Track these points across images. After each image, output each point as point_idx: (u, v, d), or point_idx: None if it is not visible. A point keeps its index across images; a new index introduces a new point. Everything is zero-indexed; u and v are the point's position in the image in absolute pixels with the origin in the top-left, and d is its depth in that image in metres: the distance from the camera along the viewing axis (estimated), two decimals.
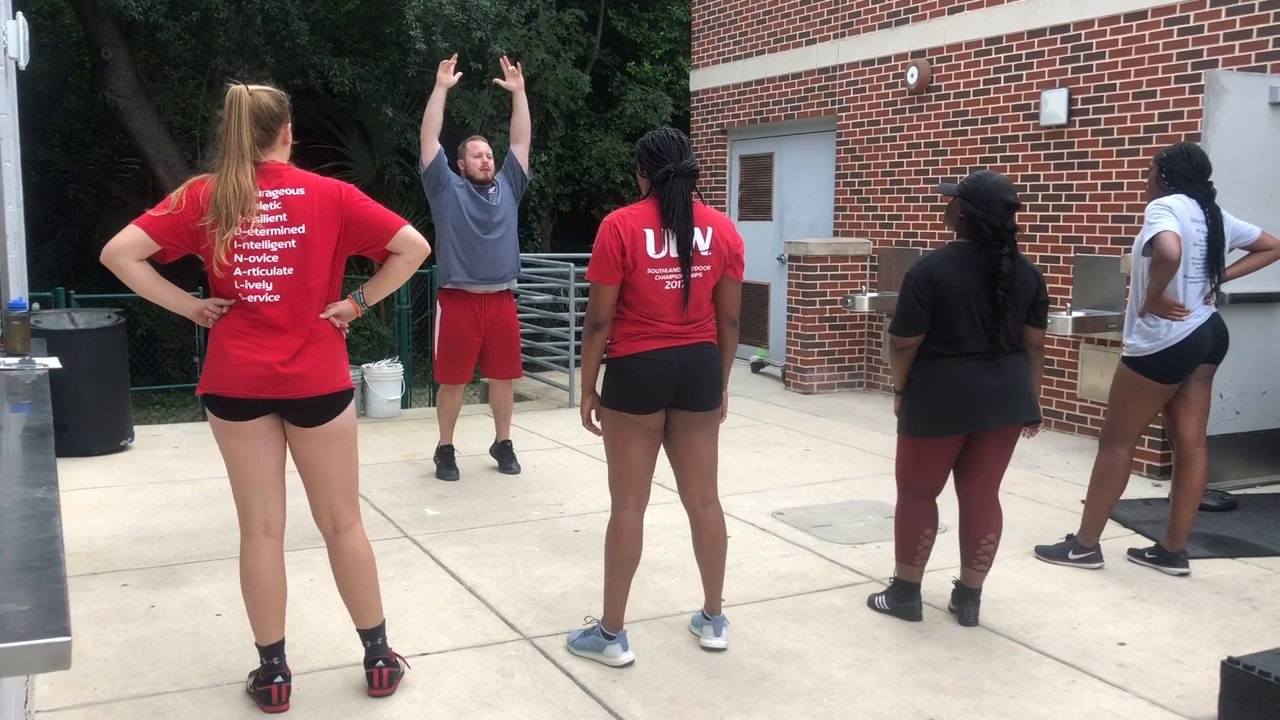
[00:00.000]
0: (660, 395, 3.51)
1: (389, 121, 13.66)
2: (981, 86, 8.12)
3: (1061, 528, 5.08)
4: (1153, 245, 4.25)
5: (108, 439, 6.73)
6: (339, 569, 3.37)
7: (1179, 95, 6.67)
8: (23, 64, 4.80)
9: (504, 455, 6.37)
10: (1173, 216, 4.28)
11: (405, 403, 8.95)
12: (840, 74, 9.57)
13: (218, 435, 3.22)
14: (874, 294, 8.73)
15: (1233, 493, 5.77)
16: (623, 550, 3.61)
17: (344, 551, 3.34)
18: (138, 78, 12.95)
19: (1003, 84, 7.93)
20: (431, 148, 5.88)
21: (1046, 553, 4.75)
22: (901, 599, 4.06)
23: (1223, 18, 6.41)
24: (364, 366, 8.18)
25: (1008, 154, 7.89)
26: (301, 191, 3.13)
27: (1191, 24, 6.59)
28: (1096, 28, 7.21)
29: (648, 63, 16.35)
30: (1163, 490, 5.84)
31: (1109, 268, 6.92)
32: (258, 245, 3.08)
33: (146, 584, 4.38)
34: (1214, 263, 4.47)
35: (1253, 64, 6.22)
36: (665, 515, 4.94)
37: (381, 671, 3.36)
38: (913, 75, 8.62)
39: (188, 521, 5.26)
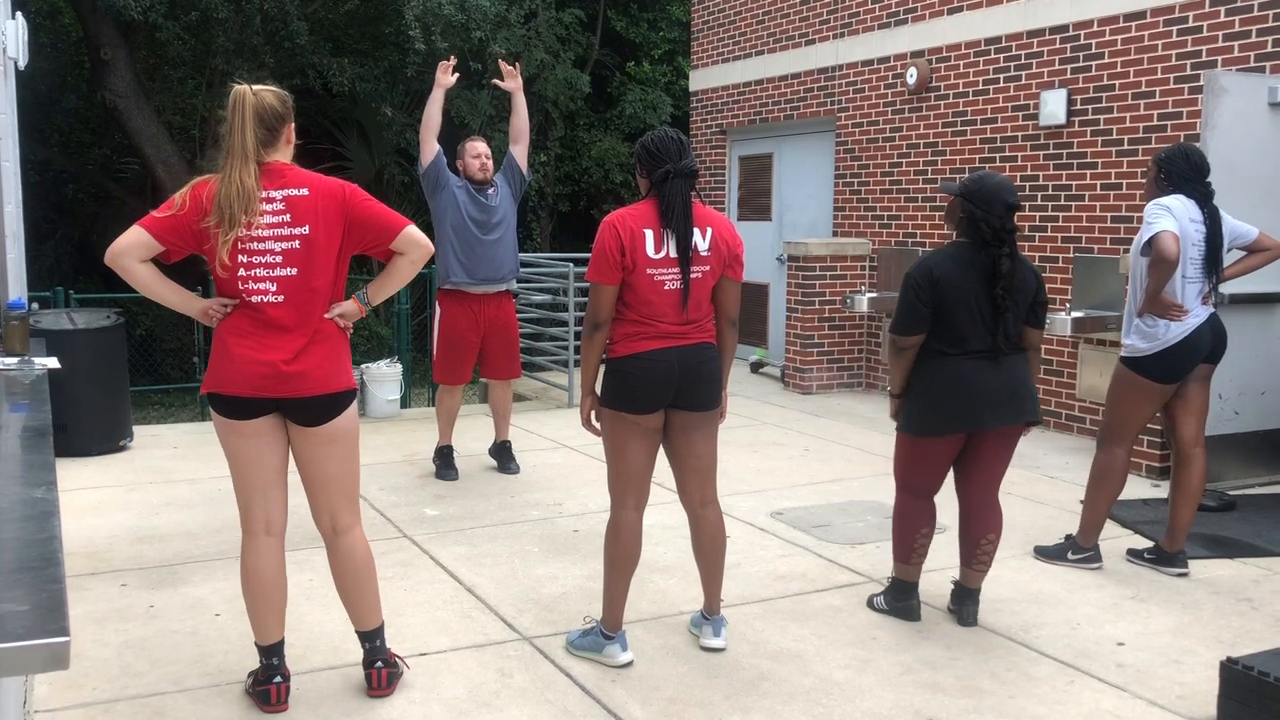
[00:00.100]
0: (659, 395, 3.51)
1: (388, 121, 13.66)
2: (981, 87, 8.12)
3: (1060, 528, 5.09)
4: (1151, 245, 4.25)
5: (107, 439, 6.73)
6: (338, 571, 3.36)
7: (1178, 96, 6.67)
8: (22, 64, 4.80)
9: (503, 455, 6.37)
10: (1171, 217, 4.28)
11: (404, 403, 8.94)
12: (840, 74, 9.58)
13: (221, 434, 3.22)
14: (873, 294, 8.74)
15: (1232, 493, 5.78)
16: (622, 550, 3.61)
17: (343, 553, 3.34)
18: (137, 78, 12.94)
19: (1002, 84, 7.93)
20: (430, 148, 5.88)
21: (1045, 553, 4.75)
22: (900, 598, 4.06)
23: (1222, 18, 6.41)
24: (363, 366, 8.18)
25: (1007, 154, 7.90)
26: (305, 192, 3.13)
27: (1190, 24, 6.59)
28: (1096, 28, 7.21)
29: (647, 63, 16.34)
30: (1162, 490, 5.84)
31: (1108, 268, 6.92)
32: (261, 246, 3.09)
33: (145, 584, 4.38)
34: (1212, 263, 4.47)
35: (1252, 64, 6.23)
36: (664, 515, 4.94)
37: (380, 672, 3.36)
38: (912, 75, 8.62)
39: (187, 521, 5.26)
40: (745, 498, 5.70)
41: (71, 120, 14.94)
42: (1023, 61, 7.75)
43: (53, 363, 3.90)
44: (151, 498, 5.71)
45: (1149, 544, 4.79)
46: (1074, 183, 7.39)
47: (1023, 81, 7.75)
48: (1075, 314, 6.83)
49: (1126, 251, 6.61)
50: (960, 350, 3.79)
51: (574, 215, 16.65)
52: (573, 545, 4.92)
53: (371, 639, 3.39)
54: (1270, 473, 6.19)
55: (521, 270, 7.60)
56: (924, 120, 8.66)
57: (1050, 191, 7.57)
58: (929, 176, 8.64)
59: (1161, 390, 4.51)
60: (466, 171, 5.99)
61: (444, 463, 6.20)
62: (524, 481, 6.11)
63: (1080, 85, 7.31)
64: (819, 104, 9.86)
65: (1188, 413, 4.58)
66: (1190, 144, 4.76)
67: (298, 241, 3.10)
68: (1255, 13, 6.23)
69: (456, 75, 6.02)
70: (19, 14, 4.65)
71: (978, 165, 8.09)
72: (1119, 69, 7.04)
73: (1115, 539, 4.95)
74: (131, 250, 3.05)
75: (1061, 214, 7.49)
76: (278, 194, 3.10)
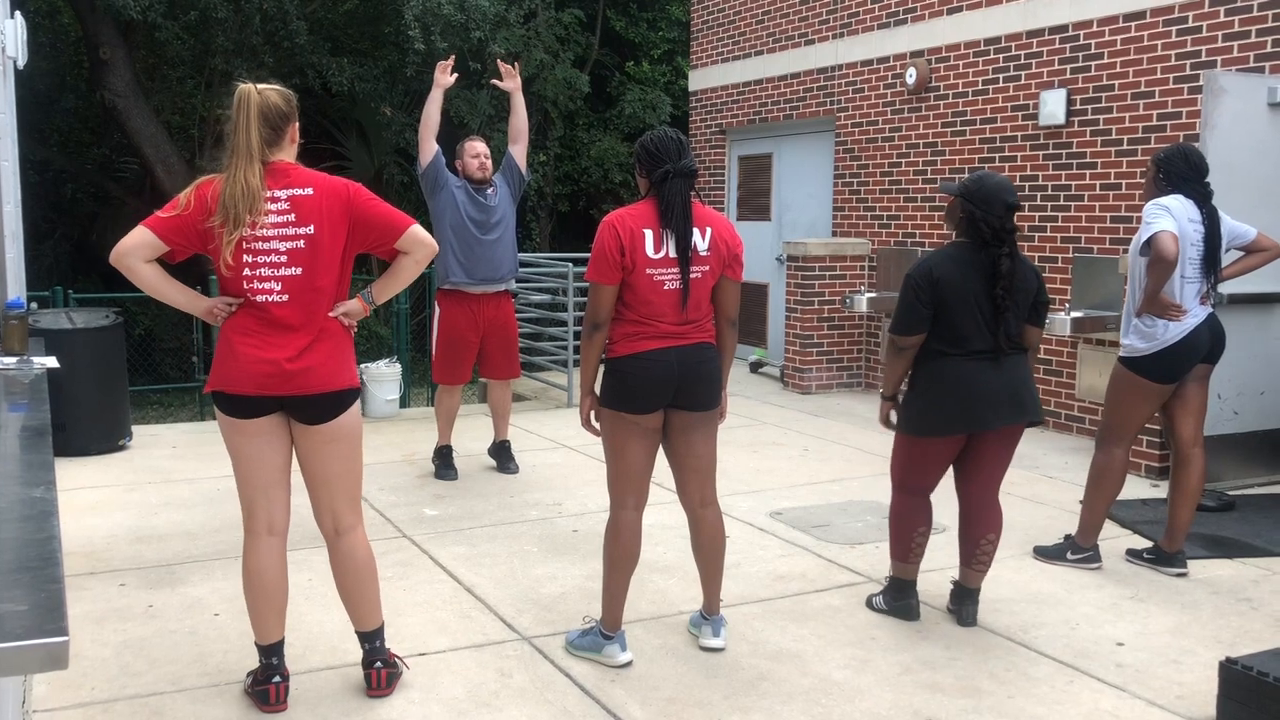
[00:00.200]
0: (659, 395, 3.51)
1: (387, 121, 13.66)
2: (980, 87, 8.12)
3: (1060, 528, 5.09)
4: (1150, 245, 4.25)
5: (106, 438, 6.73)
6: (339, 571, 3.36)
7: (1177, 96, 6.67)
8: (21, 63, 4.80)
9: (502, 455, 6.37)
10: (1170, 217, 4.28)
11: (403, 402, 8.95)
12: (839, 74, 9.58)
13: (225, 433, 3.22)
14: (872, 294, 8.74)
15: (1231, 493, 5.78)
16: (621, 550, 3.60)
17: (344, 553, 3.34)
18: (136, 77, 12.94)
19: (1001, 84, 7.93)
20: (429, 148, 5.88)
21: (1045, 553, 4.75)
22: (898, 597, 4.06)
23: (1221, 18, 6.41)
24: (362, 366, 8.17)
25: (1006, 154, 7.90)
26: (310, 191, 3.13)
27: (1190, 24, 6.59)
28: (1095, 28, 7.21)
29: (646, 63, 16.34)
30: (1161, 490, 5.84)
31: (1107, 268, 6.92)
32: (266, 245, 3.09)
33: (144, 584, 4.38)
34: (1211, 263, 4.47)
35: (1251, 64, 6.23)
36: (664, 515, 4.93)
37: (380, 672, 3.36)
38: (911, 75, 8.62)
39: (186, 521, 5.26)
40: (745, 498, 5.70)
41: (70, 120, 14.93)
42: (1022, 61, 7.75)
43: (51, 362, 3.90)
44: (150, 497, 5.71)
45: (1148, 544, 4.79)
46: (1073, 183, 7.39)
47: (1022, 81, 7.75)
48: (1074, 314, 6.84)
49: (1125, 251, 6.61)
50: (961, 350, 3.78)
51: (573, 215, 16.65)
52: (572, 545, 4.91)
53: (371, 639, 3.39)
54: (1269, 473, 6.19)
55: (521, 270, 7.59)
56: (923, 120, 8.66)
57: (1049, 191, 7.57)
58: (928, 176, 8.64)
59: (1160, 390, 4.51)
60: (465, 171, 5.98)
61: (443, 463, 6.19)
62: (523, 481, 6.11)
63: (1080, 85, 7.31)
64: (818, 104, 9.86)
65: (1186, 413, 4.58)
66: (1189, 144, 4.76)
67: (302, 241, 3.11)
68: (1255, 13, 6.23)
69: (455, 75, 6.02)
70: (18, 13, 4.65)
71: (977, 165, 8.09)
72: (1118, 69, 7.04)
73: (1114, 539, 4.95)
74: (136, 250, 3.05)
75: (1061, 214, 7.49)
76: (282, 193, 3.10)
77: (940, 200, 8.41)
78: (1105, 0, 7.13)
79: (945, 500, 4.06)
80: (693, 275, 3.48)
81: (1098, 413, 6.72)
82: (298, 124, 3.24)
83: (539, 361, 9.61)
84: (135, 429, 7.22)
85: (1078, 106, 7.32)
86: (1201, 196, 4.44)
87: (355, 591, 3.36)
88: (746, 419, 7.90)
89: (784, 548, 4.91)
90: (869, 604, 4.16)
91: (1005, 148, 7.91)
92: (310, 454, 3.24)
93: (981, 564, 3.98)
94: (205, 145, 13.78)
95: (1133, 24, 6.95)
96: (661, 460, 3.67)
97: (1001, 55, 7.92)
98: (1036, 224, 7.63)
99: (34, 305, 6.35)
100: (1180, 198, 4.40)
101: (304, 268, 3.11)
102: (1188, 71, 6.59)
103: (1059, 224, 7.51)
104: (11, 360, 3.86)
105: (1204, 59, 6.50)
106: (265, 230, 3.08)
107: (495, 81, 6.26)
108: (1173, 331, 4.40)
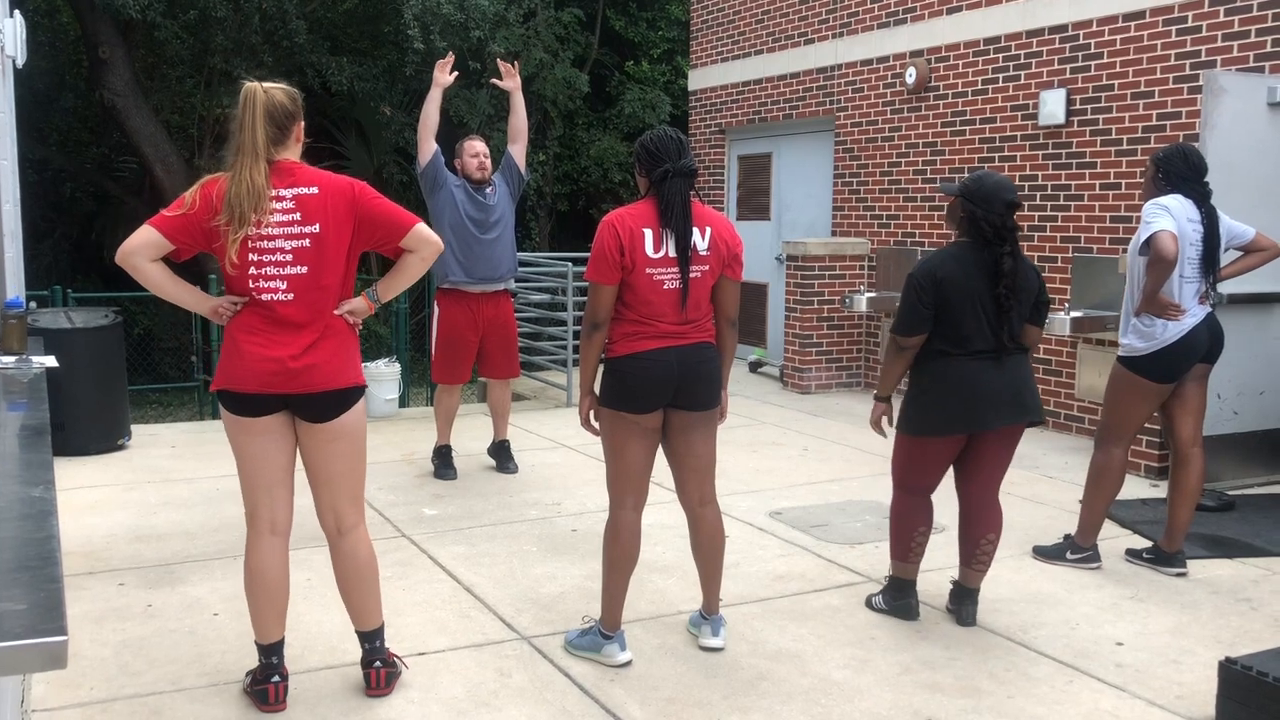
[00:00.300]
0: (658, 395, 3.51)
1: (387, 120, 13.66)
2: (980, 87, 8.12)
3: (1059, 528, 5.08)
4: (1149, 245, 4.25)
5: (105, 438, 6.73)
6: (340, 570, 3.36)
7: (1177, 95, 6.67)
8: (20, 62, 4.79)
9: (502, 455, 6.37)
10: (1169, 216, 4.28)
11: (402, 402, 8.94)
12: (839, 74, 9.58)
13: (230, 431, 3.22)
14: (872, 294, 8.73)
15: (1230, 493, 5.78)
16: (620, 550, 3.60)
17: (346, 553, 3.34)
18: (135, 76, 12.93)
19: (1001, 84, 7.93)
20: (428, 148, 5.88)
21: (1044, 553, 4.75)
22: (898, 597, 4.06)
23: (1221, 18, 6.41)
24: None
25: (1006, 154, 7.90)
26: (315, 190, 3.13)
27: (1190, 24, 6.59)
28: (1095, 28, 7.21)
29: (646, 62, 16.34)
30: (1160, 490, 5.84)
31: (1107, 268, 6.93)
32: (272, 244, 3.09)
33: (143, 583, 4.38)
34: (1210, 263, 4.47)
35: (1251, 64, 6.23)
36: (663, 515, 4.93)
37: (379, 672, 3.36)
38: (911, 75, 8.62)
39: (185, 521, 5.26)
40: (744, 497, 5.70)
41: (70, 119, 14.93)
42: (1022, 61, 7.75)
43: (50, 361, 3.89)
44: (149, 497, 5.70)
45: (1148, 544, 4.79)
46: (1073, 183, 7.39)
47: (1022, 81, 7.75)
48: (1074, 314, 6.84)
49: (1125, 251, 6.61)
50: (963, 350, 3.78)
51: (572, 215, 16.65)
52: (571, 545, 4.91)
53: (371, 639, 3.38)
54: (1269, 473, 6.20)
55: (520, 270, 7.59)
56: (923, 120, 8.66)
57: (1049, 191, 7.57)
58: (928, 176, 8.64)
59: (1159, 390, 4.51)
60: (464, 171, 5.98)
61: (442, 462, 6.19)
62: (522, 481, 6.11)
63: (1079, 85, 7.31)
64: (818, 103, 9.86)
65: (1185, 412, 4.58)
66: (1188, 144, 4.76)
67: (308, 240, 3.11)
68: (1254, 12, 6.23)
69: (455, 74, 6.02)
70: (17, 12, 4.65)
71: (977, 165, 8.09)
72: (1118, 69, 7.04)
73: (1114, 539, 4.95)
74: (142, 250, 3.05)
75: (1060, 214, 7.49)
76: (287, 192, 3.10)
77: (940, 200, 8.41)
78: (1105, 0, 7.13)
79: (945, 500, 4.05)
80: (692, 275, 3.48)
81: (1097, 412, 6.72)
82: (303, 123, 3.24)
83: (538, 361, 9.60)
84: (134, 428, 7.21)
85: (1077, 106, 7.32)
86: (1200, 196, 4.44)
87: (356, 591, 3.36)
88: (746, 419, 7.90)
89: (783, 547, 4.91)
90: (868, 604, 4.16)
91: (1005, 147, 7.91)
92: (314, 452, 3.25)
93: (981, 564, 3.98)
94: (204, 144, 13.78)
95: (1132, 24, 6.95)
96: (661, 460, 3.67)
97: (1001, 55, 7.92)
98: (1036, 224, 7.63)
99: (33, 304, 6.35)
100: (1179, 197, 4.40)
101: (309, 266, 3.12)
102: (1187, 71, 6.59)
103: (1058, 224, 7.51)
104: (10, 359, 3.85)
105: (1204, 59, 6.50)
106: (271, 229, 3.08)
107: (495, 81, 6.26)
108: (1171, 331, 4.40)
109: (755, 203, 10.94)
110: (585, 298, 3.61)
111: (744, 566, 4.60)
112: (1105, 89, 7.13)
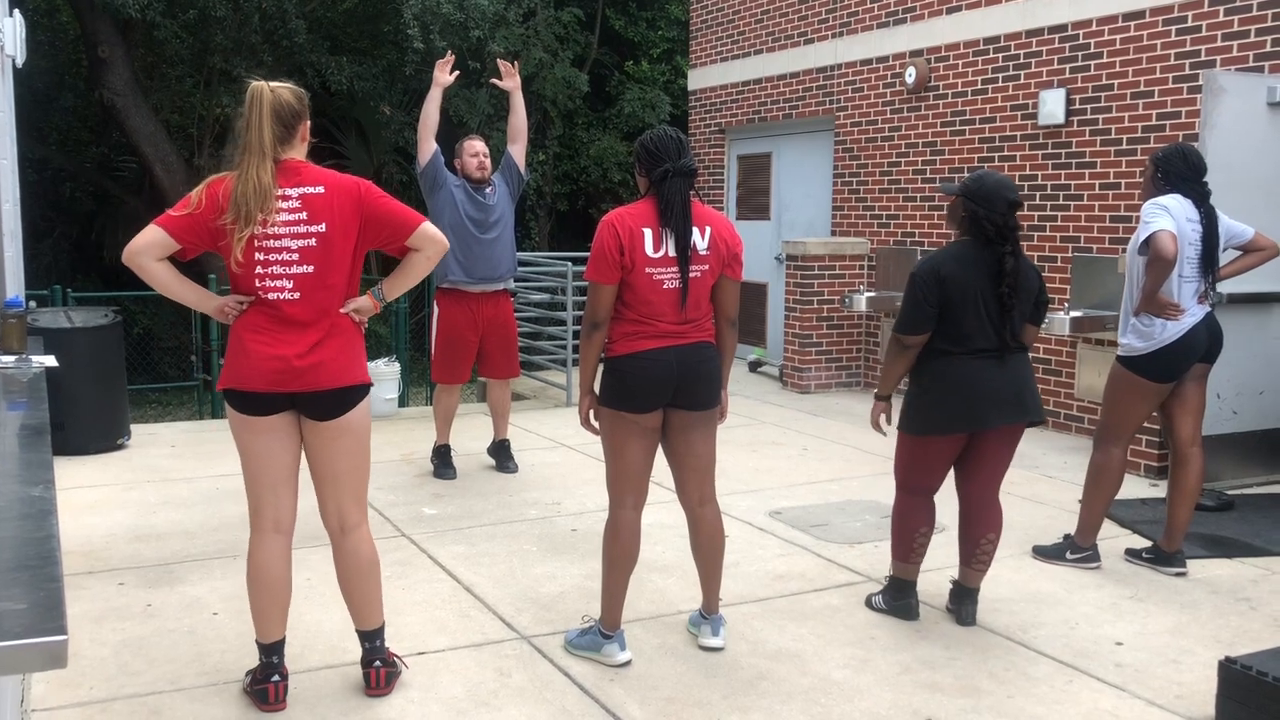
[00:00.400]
0: (658, 395, 3.51)
1: (386, 120, 13.65)
2: (979, 86, 8.12)
3: (1059, 527, 5.09)
4: (1148, 244, 4.25)
5: (104, 437, 6.72)
6: (342, 569, 3.37)
7: (1177, 95, 6.67)
8: (19, 61, 4.80)
9: (501, 454, 6.37)
10: (1168, 216, 4.28)
11: (402, 402, 8.95)
12: (838, 73, 9.58)
13: (235, 430, 3.22)
14: (871, 293, 8.73)
15: (1230, 493, 5.78)
16: (620, 549, 3.60)
17: (348, 551, 3.34)
18: (135, 76, 12.93)
19: (1000, 84, 7.93)
20: (428, 147, 5.88)
21: (1044, 552, 4.75)
22: (898, 597, 4.06)
23: (1220, 18, 6.41)
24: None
25: (1005, 154, 7.90)
26: (321, 189, 3.13)
27: (1189, 24, 6.59)
28: (1094, 28, 7.21)
29: (645, 62, 16.34)
30: (1160, 490, 5.84)
31: (1106, 268, 6.93)
32: (278, 244, 3.10)
33: (143, 583, 4.38)
34: (1209, 262, 4.47)
35: (1250, 64, 6.23)
36: (663, 514, 4.93)
37: (379, 671, 3.36)
38: (911, 75, 8.62)
39: (184, 520, 5.26)
40: (743, 497, 5.70)
41: (69, 118, 14.93)
42: (1021, 61, 7.75)
43: (50, 361, 3.90)
44: (149, 496, 5.70)
45: (1147, 543, 4.79)
46: (1073, 182, 7.39)
47: (1021, 81, 7.75)
48: (1074, 313, 6.84)
49: (1124, 251, 6.62)
50: (964, 349, 3.78)
51: (572, 214, 16.65)
52: (571, 544, 4.91)
53: (372, 639, 3.39)
54: (1268, 472, 6.20)
55: (520, 269, 7.59)
56: (922, 120, 8.66)
57: (1049, 191, 7.57)
58: (927, 176, 8.64)
59: (1158, 389, 4.52)
60: (464, 170, 5.98)
61: (442, 462, 6.19)
62: (522, 481, 6.11)
63: (1079, 85, 7.31)
64: (817, 103, 9.86)
65: (1185, 412, 4.58)
66: (1187, 144, 4.76)
67: (314, 239, 3.11)
68: (1254, 12, 6.23)
69: (455, 74, 6.01)
70: (16, 11, 4.65)
71: (976, 165, 8.09)
72: (1118, 68, 7.04)
73: (1113, 538, 4.95)
74: (149, 249, 3.06)
75: (1060, 214, 7.49)
76: (294, 191, 3.11)
77: (940, 200, 8.41)
78: (1104, 0, 7.13)
79: (945, 500, 4.05)
80: (692, 274, 3.48)
81: (1096, 412, 6.72)
82: (309, 122, 3.24)
83: (538, 361, 9.61)
84: (134, 428, 7.21)
85: (1077, 106, 7.32)
86: (1199, 196, 4.45)
87: (358, 590, 3.36)
88: (746, 418, 7.90)
89: (783, 547, 4.91)
90: (868, 603, 4.16)
91: (1004, 147, 7.91)
92: (319, 450, 3.25)
93: (981, 563, 3.98)
94: (204, 144, 13.78)
95: (1132, 23, 6.95)
96: (660, 459, 3.67)
97: (1001, 55, 7.92)
98: (1035, 224, 7.63)
99: (32, 304, 6.35)
100: (1178, 197, 4.40)
101: (316, 265, 3.12)
102: (1187, 71, 6.59)
103: (1058, 223, 7.51)
104: (10, 359, 3.86)
105: (1203, 58, 6.50)
106: (277, 228, 3.09)
107: (494, 80, 6.26)
108: (1170, 331, 4.40)
109: (755, 202, 10.94)
110: (585, 297, 3.61)
111: (744, 566, 4.60)
112: (1105, 89, 7.13)
